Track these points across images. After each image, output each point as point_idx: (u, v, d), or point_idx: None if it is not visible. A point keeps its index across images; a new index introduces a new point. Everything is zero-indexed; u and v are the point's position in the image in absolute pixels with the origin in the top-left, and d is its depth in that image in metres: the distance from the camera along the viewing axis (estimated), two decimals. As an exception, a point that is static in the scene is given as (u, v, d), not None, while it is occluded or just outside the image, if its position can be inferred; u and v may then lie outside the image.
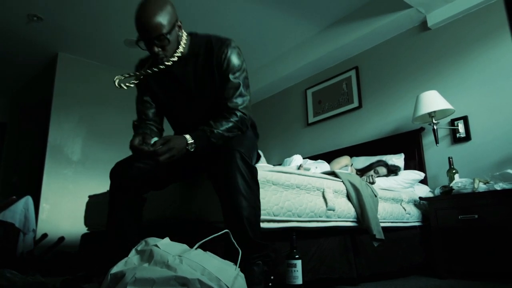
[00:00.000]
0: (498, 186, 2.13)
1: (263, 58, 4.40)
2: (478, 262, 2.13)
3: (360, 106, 3.65)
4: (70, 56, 4.28)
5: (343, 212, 1.97)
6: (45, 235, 3.11)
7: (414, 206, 2.59)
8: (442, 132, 2.94)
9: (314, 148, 4.03)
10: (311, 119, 4.15)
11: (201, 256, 1.11)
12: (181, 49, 1.49)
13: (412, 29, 3.31)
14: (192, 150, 1.42)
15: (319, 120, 4.05)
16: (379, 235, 1.98)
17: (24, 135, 5.03)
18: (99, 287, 1.16)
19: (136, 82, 1.54)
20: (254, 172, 1.40)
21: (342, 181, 2.10)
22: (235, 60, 1.52)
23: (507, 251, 2.02)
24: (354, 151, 3.41)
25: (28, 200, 2.90)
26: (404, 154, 3.02)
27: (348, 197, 2.07)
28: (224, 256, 1.19)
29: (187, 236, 1.42)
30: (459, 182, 2.40)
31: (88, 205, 2.63)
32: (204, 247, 1.17)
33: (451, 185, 2.43)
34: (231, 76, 1.51)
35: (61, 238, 3.00)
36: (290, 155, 3.02)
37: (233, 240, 1.22)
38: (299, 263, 1.49)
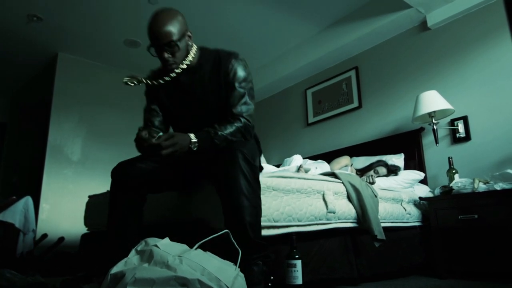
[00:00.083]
0: (498, 186, 2.13)
1: (263, 58, 4.40)
2: (478, 262, 2.13)
3: (360, 106, 3.66)
4: (70, 56, 4.28)
5: (343, 214, 1.97)
6: (45, 235, 3.11)
7: (414, 206, 2.59)
8: (442, 132, 2.94)
9: (314, 148, 4.03)
10: (311, 119, 4.15)
11: (201, 256, 1.11)
12: (190, 58, 1.56)
13: (412, 29, 3.31)
14: (195, 149, 1.43)
15: (319, 120, 4.05)
16: (381, 235, 1.98)
17: (24, 135, 5.03)
18: (99, 287, 1.16)
19: (140, 82, 1.58)
20: (256, 172, 1.42)
21: (342, 182, 2.10)
22: (241, 71, 1.58)
23: (507, 251, 2.02)
24: (354, 151, 3.41)
25: (28, 200, 2.90)
26: (404, 154, 3.02)
27: (349, 198, 2.07)
28: (224, 256, 1.19)
29: (187, 236, 1.42)
30: (459, 182, 2.40)
31: (88, 205, 2.63)
32: (204, 248, 1.17)
33: (451, 185, 2.43)
34: (236, 85, 1.57)
35: (61, 238, 3.00)
36: (290, 155, 3.02)
37: (233, 240, 1.22)
38: (299, 263, 1.49)
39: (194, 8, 3.43)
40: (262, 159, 2.29)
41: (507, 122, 2.60)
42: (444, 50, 3.03)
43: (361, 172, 2.84)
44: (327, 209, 1.87)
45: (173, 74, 1.54)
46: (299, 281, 1.48)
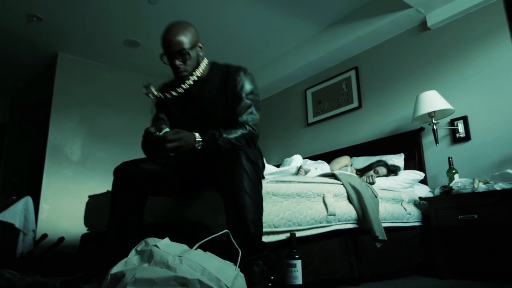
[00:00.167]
0: (498, 186, 2.13)
1: (263, 58, 4.41)
2: (478, 262, 2.13)
3: (360, 106, 3.65)
4: (70, 56, 4.28)
5: (344, 216, 1.97)
6: (45, 236, 3.11)
7: (414, 206, 2.59)
8: (442, 132, 2.94)
9: (314, 148, 4.03)
10: (311, 119, 4.15)
11: (201, 256, 1.11)
12: (200, 70, 1.65)
13: (412, 29, 3.31)
14: (199, 148, 1.46)
15: (319, 120, 4.05)
16: (382, 236, 1.98)
17: (24, 135, 5.03)
18: (99, 287, 1.16)
19: (156, 97, 1.66)
20: (258, 172, 1.44)
21: (343, 184, 2.10)
22: (248, 85, 1.66)
23: (507, 251, 2.02)
24: (354, 151, 3.41)
25: (28, 200, 2.90)
26: (404, 154, 3.02)
27: (349, 199, 2.07)
28: (224, 256, 1.19)
29: (187, 236, 1.42)
30: (459, 182, 2.40)
31: (88, 205, 2.63)
32: (204, 248, 1.17)
33: (451, 185, 2.43)
34: (243, 96, 1.64)
35: (61, 239, 3.00)
36: (290, 155, 3.02)
37: (233, 240, 1.22)
38: (299, 263, 1.49)
39: (195, 8, 3.43)
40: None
41: (507, 122, 2.60)
42: (444, 50, 3.03)
43: (361, 172, 2.84)
44: (327, 211, 1.87)
45: (185, 86, 1.62)
46: (299, 281, 1.48)
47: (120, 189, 1.55)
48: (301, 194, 1.80)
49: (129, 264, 1.09)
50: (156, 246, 1.11)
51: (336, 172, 2.24)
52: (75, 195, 3.90)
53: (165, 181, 1.63)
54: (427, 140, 3.04)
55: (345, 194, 2.07)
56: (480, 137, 2.73)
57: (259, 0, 3.36)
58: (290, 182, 1.79)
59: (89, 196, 2.66)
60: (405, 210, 2.45)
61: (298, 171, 2.63)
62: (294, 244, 1.53)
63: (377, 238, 1.97)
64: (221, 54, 3.68)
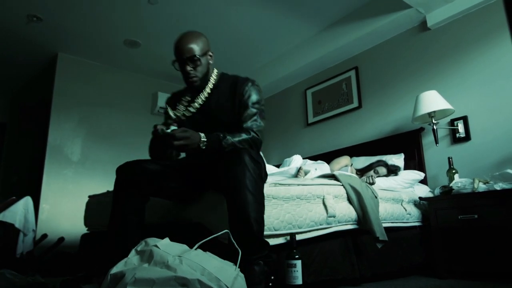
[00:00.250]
0: (498, 186, 2.13)
1: (263, 58, 4.41)
2: (478, 262, 2.13)
3: (360, 106, 3.66)
4: (70, 57, 4.27)
5: (344, 217, 1.97)
6: (45, 236, 3.11)
7: (414, 206, 2.59)
8: (442, 132, 2.94)
9: (314, 148, 4.03)
10: (311, 119, 4.15)
11: (201, 256, 1.11)
12: (212, 81, 1.74)
13: (411, 29, 3.31)
14: (204, 148, 1.50)
15: (319, 120, 4.05)
16: (383, 236, 1.98)
17: (24, 135, 5.02)
18: (99, 287, 1.16)
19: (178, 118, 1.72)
20: (261, 170, 1.46)
21: (342, 185, 2.10)
22: (255, 95, 1.72)
23: (507, 251, 2.02)
24: (354, 151, 3.41)
25: (27, 200, 2.89)
26: (404, 154, 3.02)
27: (349, 200, 2.07)
28: (224, 257, 1.19)
29: (187, 236, 1.42)
30: (459, 182, 2.40)
31: (88, 205, 2.63)
32: (204, 248, 1.17)
33: (451, 185, 2.43)
34: (250, 105, 1.70)
35: (61, 239, 2.99)
36: (290, 155, 3.02)
37: (233, 240, 1.22)
38: (299, 263, 1.49)
39: (195, 8, 3.43)
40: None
41: (507, 122, 2.60)
42: (444, 50, 3.03)
43: (361, 172, 2.84)
44: (327, 213, 1.87)
45: (200, 101, 1.71)
46: (299, 281, 1.48)
47: (122, 188, 1.56)
48: (300, 197, 1.80)
49: (129, 264, 1.09)
50: (156, 246, 1.11)
51: (336, 173, 2.24)
52: (75, 195, 3.90)
53: (167, 183, 1.64)
54: (427, 140, 3.04)
55: (345, 195, 2.07)
56: (480, 137, 2.73)
57: (260, 0, 3.36)
58: (289, 185, 1.79)
59: (89, 196, 2.66)
60: (405, 210, 2.45)
61: (298, 172, 2.63)
62: (294, 244, 1.53)
63: (377, 238, 1.97)
64: (221, 54, 3.69)
